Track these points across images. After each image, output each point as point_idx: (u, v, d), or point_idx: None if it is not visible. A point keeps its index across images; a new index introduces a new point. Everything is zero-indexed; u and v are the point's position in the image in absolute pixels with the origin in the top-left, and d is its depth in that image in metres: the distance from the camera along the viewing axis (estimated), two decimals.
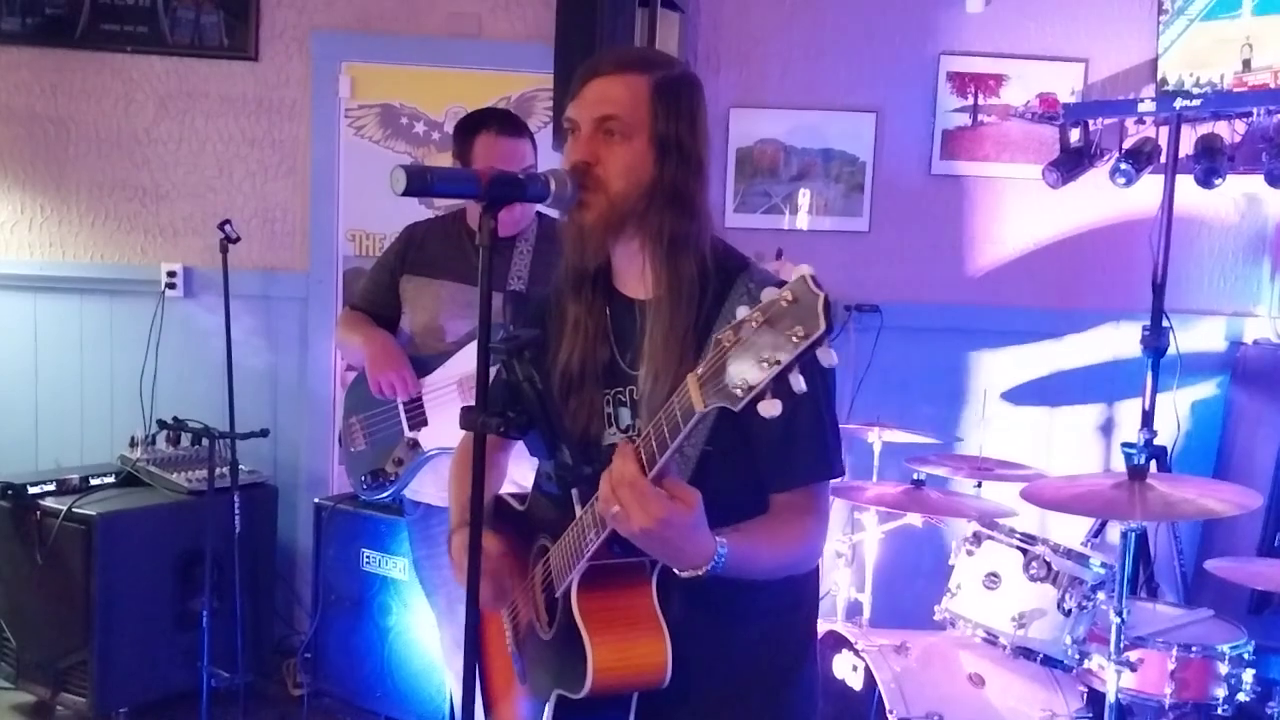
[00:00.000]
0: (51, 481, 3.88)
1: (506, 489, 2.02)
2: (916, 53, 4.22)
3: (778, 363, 1.21)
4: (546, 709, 1.66)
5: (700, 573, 1.45)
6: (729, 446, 1.57)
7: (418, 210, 4.14)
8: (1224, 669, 2.86)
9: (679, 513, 1.39)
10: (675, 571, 1.47)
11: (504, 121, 2.93)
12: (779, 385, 1.23)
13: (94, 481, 3.95)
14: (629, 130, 1.63)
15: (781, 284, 1.28)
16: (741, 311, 1.26)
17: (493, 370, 1.62)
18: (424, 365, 2.92)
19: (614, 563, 1.57)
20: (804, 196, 4.25)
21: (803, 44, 4.21)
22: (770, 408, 1.24)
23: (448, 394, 2.89)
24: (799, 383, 1.23)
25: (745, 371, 1.24)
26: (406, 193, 1.55)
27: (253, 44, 4.30)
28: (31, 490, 3.82)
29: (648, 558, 1.57)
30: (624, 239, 1.67)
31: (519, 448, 1.90)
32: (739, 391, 1.24)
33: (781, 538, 1.61)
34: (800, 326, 1.20)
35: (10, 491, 3.83)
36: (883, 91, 4.24)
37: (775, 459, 1.62)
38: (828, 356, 1.22)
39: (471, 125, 2.89)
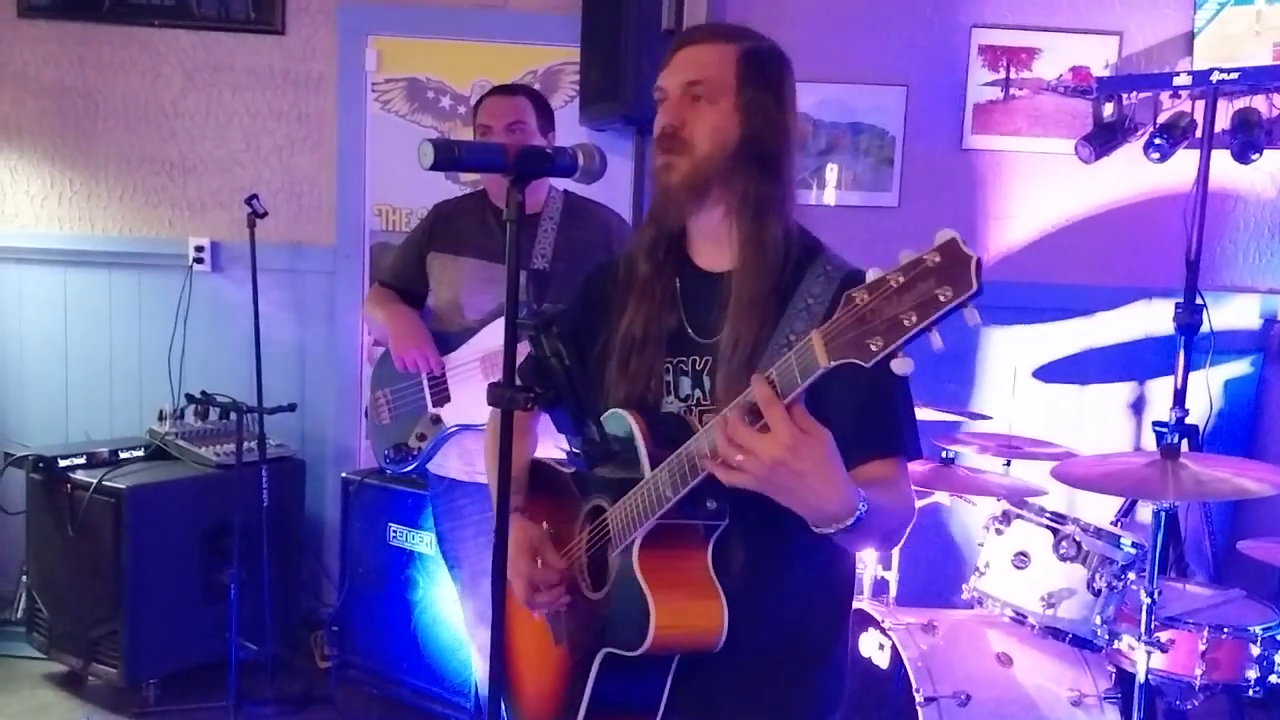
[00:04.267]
0: (81, 454, 3.91)
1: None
2: (947, 25, 4.17)
3: (921, 319, 1.23)
4: (593, 667, 1.66)
5: (846, 524, 1.41)
6: None
7: (443, 185, 4.15)
8: (1256, 650, 2.84)
9: (810, 442, 1.36)
10: (814, 528, 1.44)
11: (501, 87, 3.05)
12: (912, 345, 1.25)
13: (123, 455, 3.98)
14: (715, 94, 1.66)
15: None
16: (874, 273, 1.28)
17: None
18: (448, 342, 2.92)
19: (674, 524, 1.58)
20: (832, 172, 4.21)
21: (832, 16, 4.17)
22: (903, 365, 1.25)
23: (471, 370, 2.89)
24: (937, 340, 1.25)
25: (882, 328, 1.25)
26: (434, 167, 1.54)
27: (279, 17, 4.29)
28: (62, 463, 3.85)
29: (704, 522, 1.58)
30: (709, 204, 1.68)
31: (546, 423, 1.90)
32: (874, 346, 1.25)
33: (893, 499, 1.58)
34: (949, 287, 1.21)
35: (41, 464, 3.86)
36: (913, 64, 4.19)
37: (866, 426, 1.60)
38: (973, 317, 1.23)
39: (479, 100, 3.00)
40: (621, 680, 1.66)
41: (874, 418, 1.61)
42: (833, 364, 1.29)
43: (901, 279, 1.24)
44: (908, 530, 1.68)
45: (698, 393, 1.70)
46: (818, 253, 1.69)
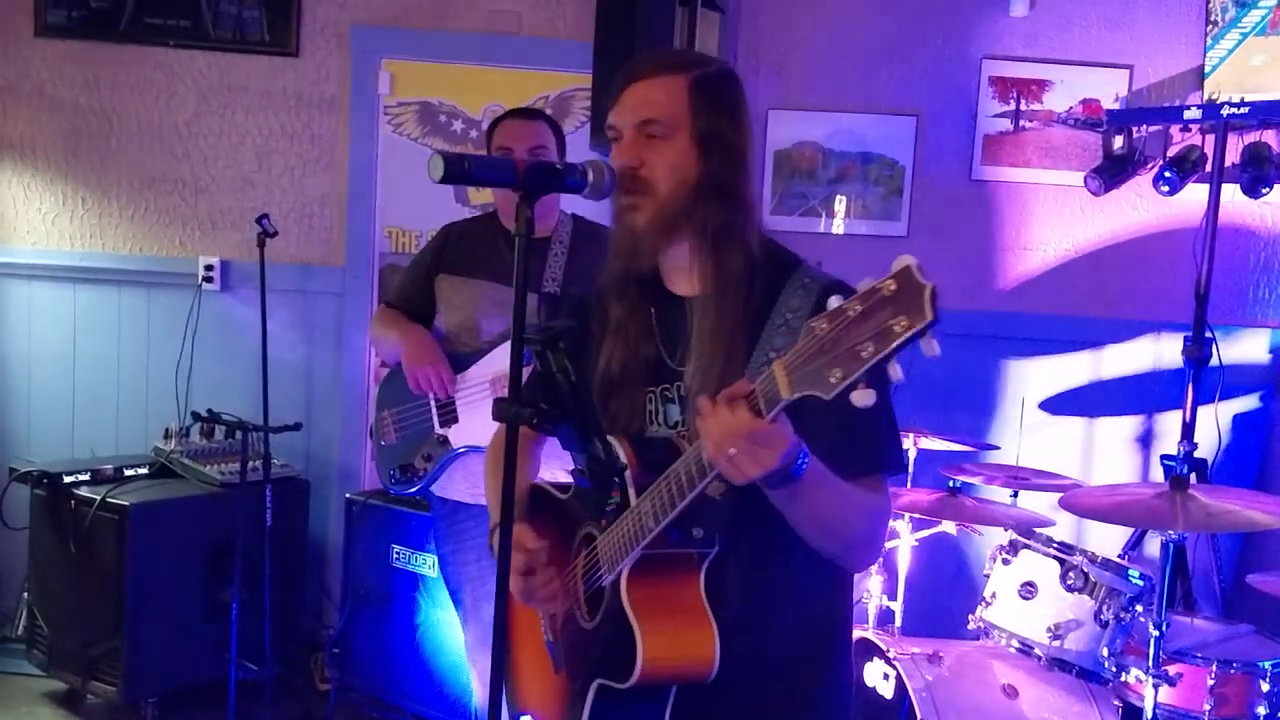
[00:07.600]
0: (86, 471, 3.91)
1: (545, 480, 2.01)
2: (959, 56, 4.18)
3: (878, 352, 1.21)
4: (588, 698, 1.64)
5: (778, 467, 1.38)
6: None
7: (453, 207, 4.17)
8: (1265, 686, 2.79)
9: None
10: (761, 486, 1.43)
11: (520, 110, 3.07)
12: (874, 375, 1.23)
13: (128, 472, 3.98)
14: (669, 130, 1.64)
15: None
16: (834, 301, 1.26)
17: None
18: (457, 363, 2.92)
19: (664, 553, 1.56)
20: (841, 201, 4.21)
21: (843, 46, 4.18)
22: (864, 397, 1.23)
23: (480, 392, 2.88)
24: (897, 371, 1.23)
25: (842, 359, 1.23)
26: (444, 180, 1.54)
27: (294, 39, 4.32)
28: (66, 479, 3.85)
29: (697, 549, 1.56)
30: (676, 239, 1.66)
31: (552, 442, 1.88)
32: (833, 379, 1.24)
33: (852, 492, 1.56)
34: (904, 317, 1.19)
35: (45, 480, 3.86)
36: (924, 95, 4.20)
37: (848, 445, 1.58)
38: (930, 347, 1.21)
39: (494, 122, 3.00)
40: (618, 711, 1.63)
41: (855, 436, 1.59)
42: (796, 396, 1.28)
43: (859, 308, 1.23)
44: (880, 545, 1.67)
45: (686, 416, 1.67)
46: (795, 266, 1.68)
